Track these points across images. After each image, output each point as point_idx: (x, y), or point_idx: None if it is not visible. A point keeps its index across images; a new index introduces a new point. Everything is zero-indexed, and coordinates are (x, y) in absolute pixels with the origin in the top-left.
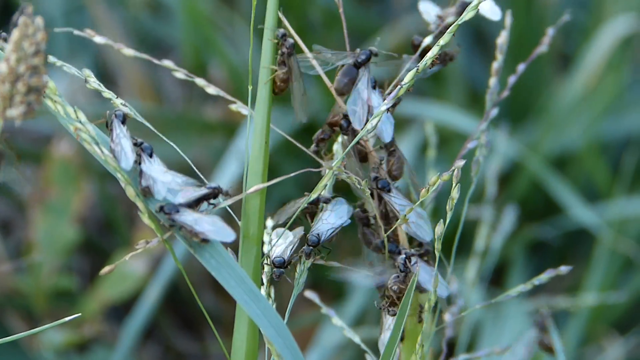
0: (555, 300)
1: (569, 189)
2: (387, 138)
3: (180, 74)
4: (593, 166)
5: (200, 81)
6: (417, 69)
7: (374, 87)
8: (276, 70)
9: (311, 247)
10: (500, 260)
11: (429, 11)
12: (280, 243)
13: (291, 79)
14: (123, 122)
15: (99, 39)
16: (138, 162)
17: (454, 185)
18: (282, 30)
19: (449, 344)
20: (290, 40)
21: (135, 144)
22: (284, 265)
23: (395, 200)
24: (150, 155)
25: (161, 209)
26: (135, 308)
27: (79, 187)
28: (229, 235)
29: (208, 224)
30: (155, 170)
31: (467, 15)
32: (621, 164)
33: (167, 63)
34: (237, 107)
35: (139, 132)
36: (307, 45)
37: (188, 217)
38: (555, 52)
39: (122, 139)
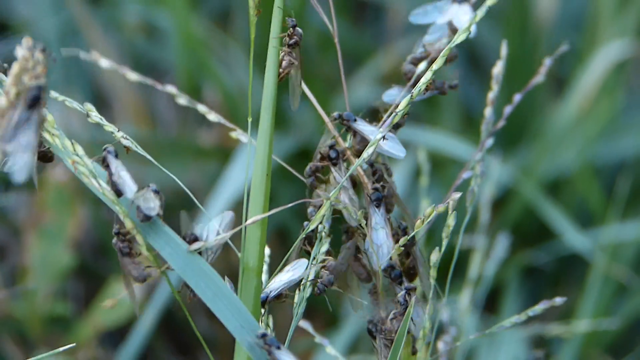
0: (549, 326)
1: (562, 214)
2: (401, 154)
3: (183, 100)
4: (587, 190)
5: (201, 108)
6: (412, 96)
7: (354, 120)
8: (282, 60)
9: (325, 286)
10: (494, 285)
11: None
12: (284, 278)
13: (293, 67)
14: (116, 156)
15: (104, 63)
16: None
17: (450, 213)
18: (293, 20)
19: None
20: (299, 30)
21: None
22: (263, 305)
23: (376, 216)
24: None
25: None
26: (130, 334)
27: (74, 212)
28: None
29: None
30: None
31: (459, 38)
32: (615, 188)
33: (170, 89)
34: (237, 134)
35: (134, 158)
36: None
37: None
38: (549, 75)
39: (121, 171)
